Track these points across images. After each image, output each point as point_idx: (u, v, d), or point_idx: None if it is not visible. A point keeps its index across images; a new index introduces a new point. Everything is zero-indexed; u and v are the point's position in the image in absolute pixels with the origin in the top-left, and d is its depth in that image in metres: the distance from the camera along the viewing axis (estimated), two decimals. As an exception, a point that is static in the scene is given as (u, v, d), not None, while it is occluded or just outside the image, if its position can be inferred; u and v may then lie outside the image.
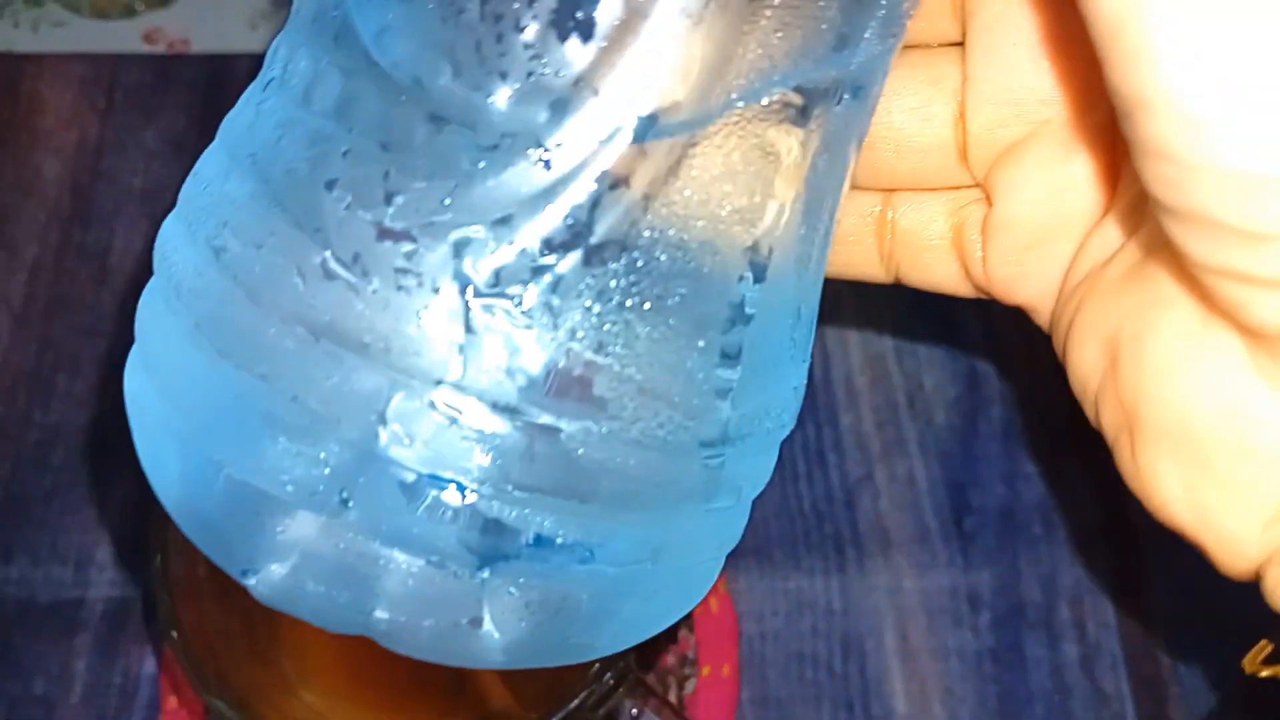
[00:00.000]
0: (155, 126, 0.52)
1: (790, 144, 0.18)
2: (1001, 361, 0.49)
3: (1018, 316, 0.50)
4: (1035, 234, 0.21)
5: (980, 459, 0.47)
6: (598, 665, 0.30)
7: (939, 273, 0.23)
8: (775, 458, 0.22)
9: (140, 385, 0.20)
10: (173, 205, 0.21)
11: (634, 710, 0.30)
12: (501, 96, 0.17)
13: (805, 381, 0.22)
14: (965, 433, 0.47)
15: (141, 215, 0.50)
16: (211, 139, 0.22)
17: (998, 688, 0.42)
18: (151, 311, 0.21)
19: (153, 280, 0.21)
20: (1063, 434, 0.47)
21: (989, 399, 0.48)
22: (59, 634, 0.42)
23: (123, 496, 0.45)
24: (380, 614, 0.18)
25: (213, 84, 0.54)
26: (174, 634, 0.31)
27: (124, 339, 0.48)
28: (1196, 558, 0.23)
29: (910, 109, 0.21)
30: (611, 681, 0.30)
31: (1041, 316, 0.22)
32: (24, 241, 0.50)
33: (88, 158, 0.51)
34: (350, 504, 0.18)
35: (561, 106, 0.17)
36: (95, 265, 0.49)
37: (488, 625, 0.18)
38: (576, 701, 0.29)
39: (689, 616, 0.39)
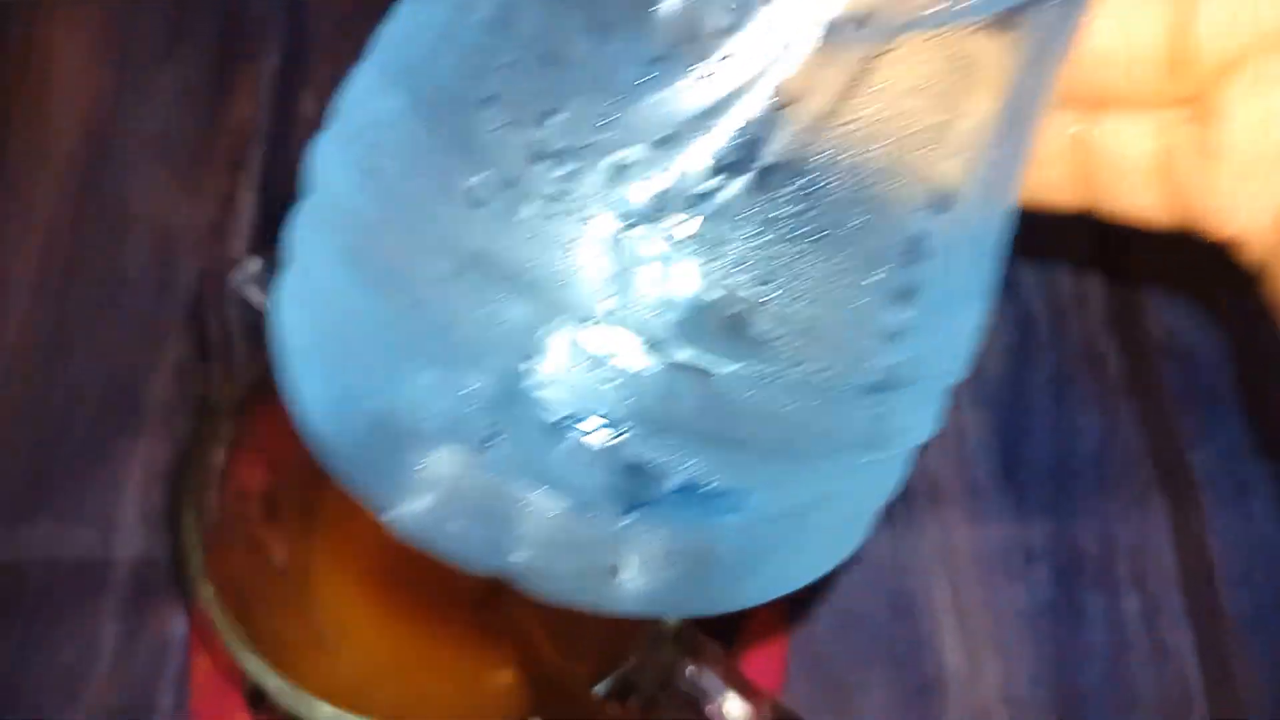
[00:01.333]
0: (171, 73, 0.50)
1: (992, 53, 0.17)
2: (1055, 309, 0.47)
3: (1070, 263, 0.49)
4: (1259, 159, 0.19)
5: (1032, 410, 0.45)
6: (654, 622, 0.29)
7: (1140, 200, 0.20)
8: (944, 406, 0.20)
9: (287, 310, 0.19)
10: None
11: (691, 668, 0.29)
12: (670, 1, 0.16)
13: (983, 324, 0.20)
14: (1017, 383, 0.45)
15: (160, 165, 0.48)
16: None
17: (1054, 644, 0.41)
18: (301, 235, 0.20)
19: (304, 201, 0.20)
20: (1118, 384, 0.45)
21: (1042, 347, 0.46)
22: (85, 597, 0.41)
23: (147, 456, 0.43)
24: (518, 555, 0.17)
25: (229, 25, 0.52)
26: (206, 590, 0.29)
27: (145, 294, 0.47)
28: (1259, 508, 0.21)
29: (1123, 9, 0.19)
30: (669, 638, 0.28)
31: (1254, 251, 0.20)
32: (39, 198, 0.48)
33: (102, 108, 0.50)
34: (493, 441, 0.17)
35: (736, 12, 0.16)
36: (114, 219, 0.48)
37: (628, 572, 0.18)
38: (633, 660, 0.28)
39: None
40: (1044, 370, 0.45)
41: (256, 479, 0.35)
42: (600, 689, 0.28)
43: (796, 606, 0.41)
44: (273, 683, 0.28)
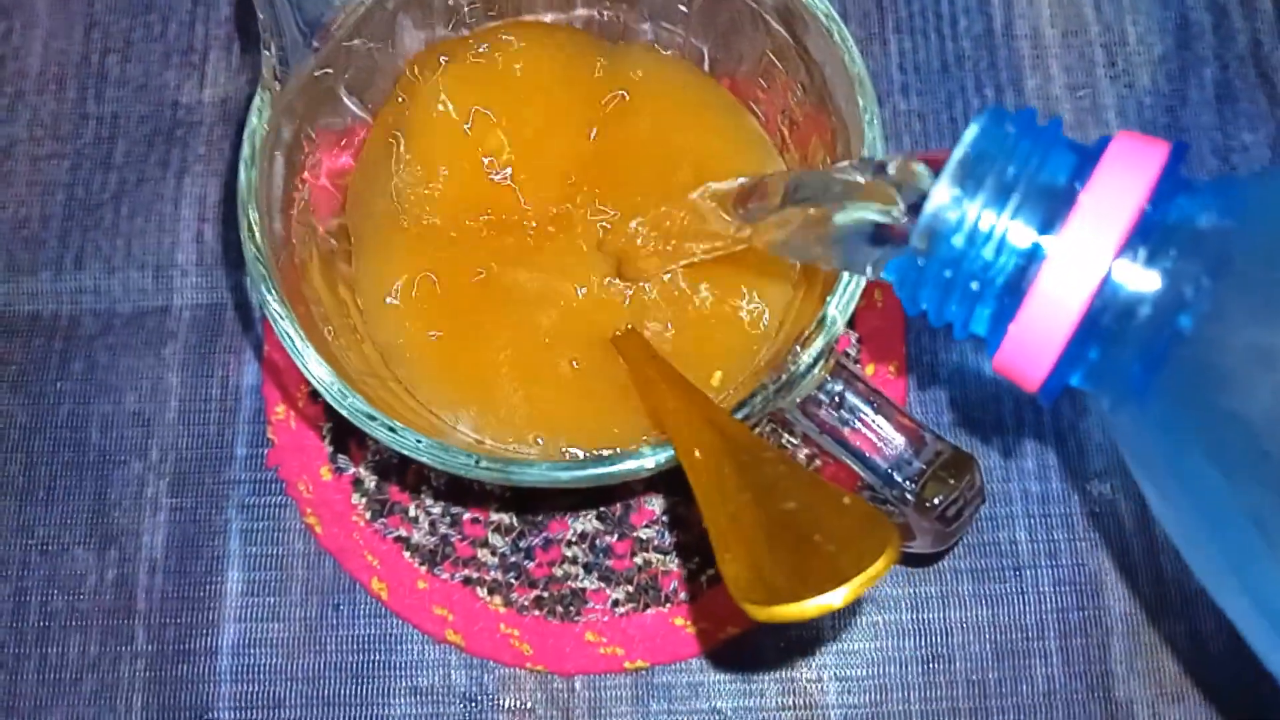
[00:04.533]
0: None
1: None
2: (1219, 12, 0.40)
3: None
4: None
5: (1190, 129, 0.39)
6: (798, 346, 0.25)
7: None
8: None
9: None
10: None
11: (838, 388, 0.25)
12: None
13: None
14: (1173, 98, 0.39)
15: None
16: None
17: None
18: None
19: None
20: (1290, 96, 0.39)
21: (1203, 58, 0.40)
22: (145, 346, 0.38)
23: (198, 192, 0.39)
24: None
25: None
26: (282, 311, 0.25)
27: (182, 7, 0.42)
28: None
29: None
30: (813, 359, 0.24)
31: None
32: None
33: None
34: None
35: None
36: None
37: None
38: (784, 376, 0.24)
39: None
40: (1205, 85, 0.40)
41: (324, 199, 0.30)
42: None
43: (917, 347, 0.37)
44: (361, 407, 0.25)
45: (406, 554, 0.35)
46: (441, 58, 0.31)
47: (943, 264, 0.19)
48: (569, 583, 0.34)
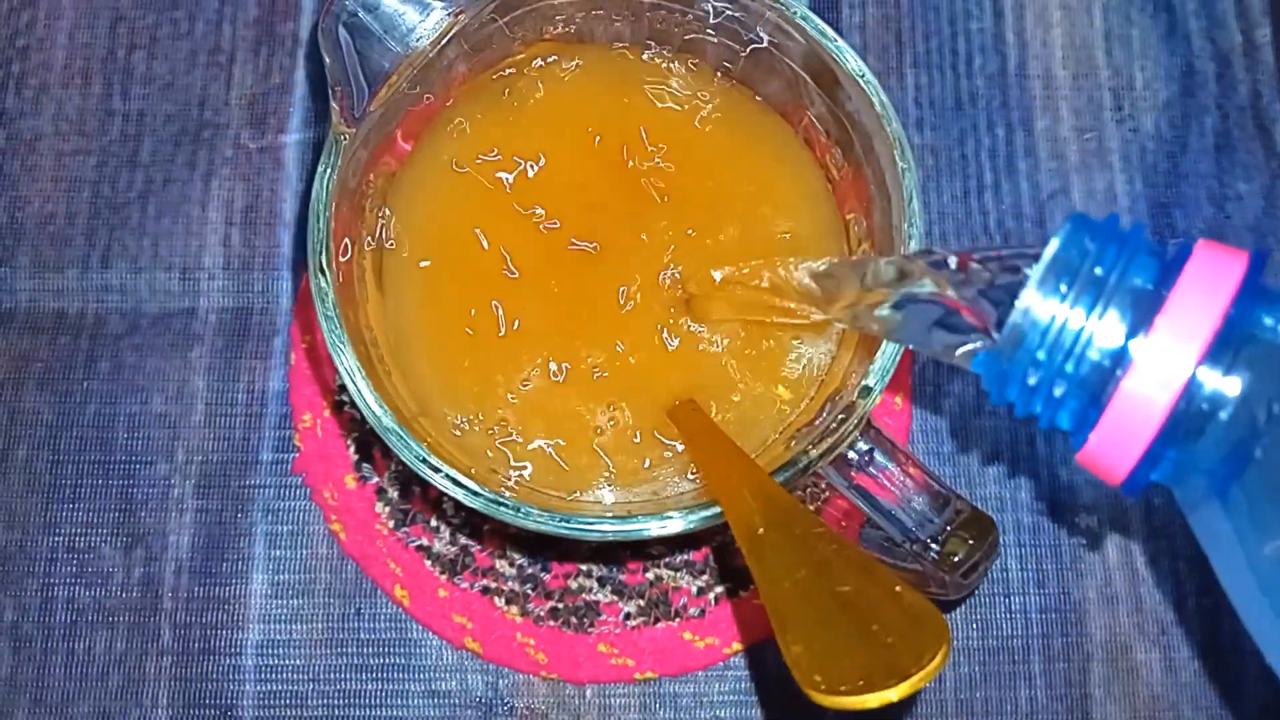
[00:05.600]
0: None
1: None
2: (1222, 62, 0.42)
3: (1243, 9, 0.43)
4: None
5: (1189, 176, 0.41)
6: (828, 403, 0.26)
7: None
8: None
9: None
10: None
11: (866, 447, 0.26)
12: None
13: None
14: (1174, 144, 0.41)
15: None
16: None
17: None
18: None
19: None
20: (1284, 146, 0.41)
21: (1205, 107, 0.42)
22: (171, 348, 0.39)
23: (225, 196, 0.40)
24: None
25: None
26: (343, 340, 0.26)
27: (210, 5, 0.42)
28: None
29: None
30: (842, 417, 0.26)
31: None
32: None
33: None
34: None
35: None
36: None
37: None
38: (829, 442, 0.26)
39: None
40: (1205, 133, 0.41)
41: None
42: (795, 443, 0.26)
43: (920, 377, 0.39)
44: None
45: (428, 562, 0.36)
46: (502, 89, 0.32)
47: (1029, 364, 0.21)
48: (583, 595, 0.36)
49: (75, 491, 0.37)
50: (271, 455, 0.38)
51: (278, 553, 0.37)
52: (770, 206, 0.32)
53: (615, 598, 0.36)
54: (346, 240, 0.27)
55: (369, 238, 0.30)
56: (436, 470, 0.26)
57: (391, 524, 0.36)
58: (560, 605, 0.36)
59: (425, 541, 0.36)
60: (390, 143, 0.30)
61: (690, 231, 0.31)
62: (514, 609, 0.36)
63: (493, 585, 0.36)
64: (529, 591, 0.36)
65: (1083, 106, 0.41)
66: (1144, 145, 0.41)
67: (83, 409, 0.38)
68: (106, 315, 0.39)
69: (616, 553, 0.36)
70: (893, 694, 0.17)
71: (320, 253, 0.26)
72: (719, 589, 0.36)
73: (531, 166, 0.32)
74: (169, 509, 0.37)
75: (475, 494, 0.26)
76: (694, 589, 0.36)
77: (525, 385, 0.31)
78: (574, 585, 0.36)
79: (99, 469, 0.38)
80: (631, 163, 0.32)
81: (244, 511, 0.37)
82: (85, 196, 0.40)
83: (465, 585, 0.36)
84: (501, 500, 0.26)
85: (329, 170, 0.26)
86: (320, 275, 0.26)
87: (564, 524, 0.26)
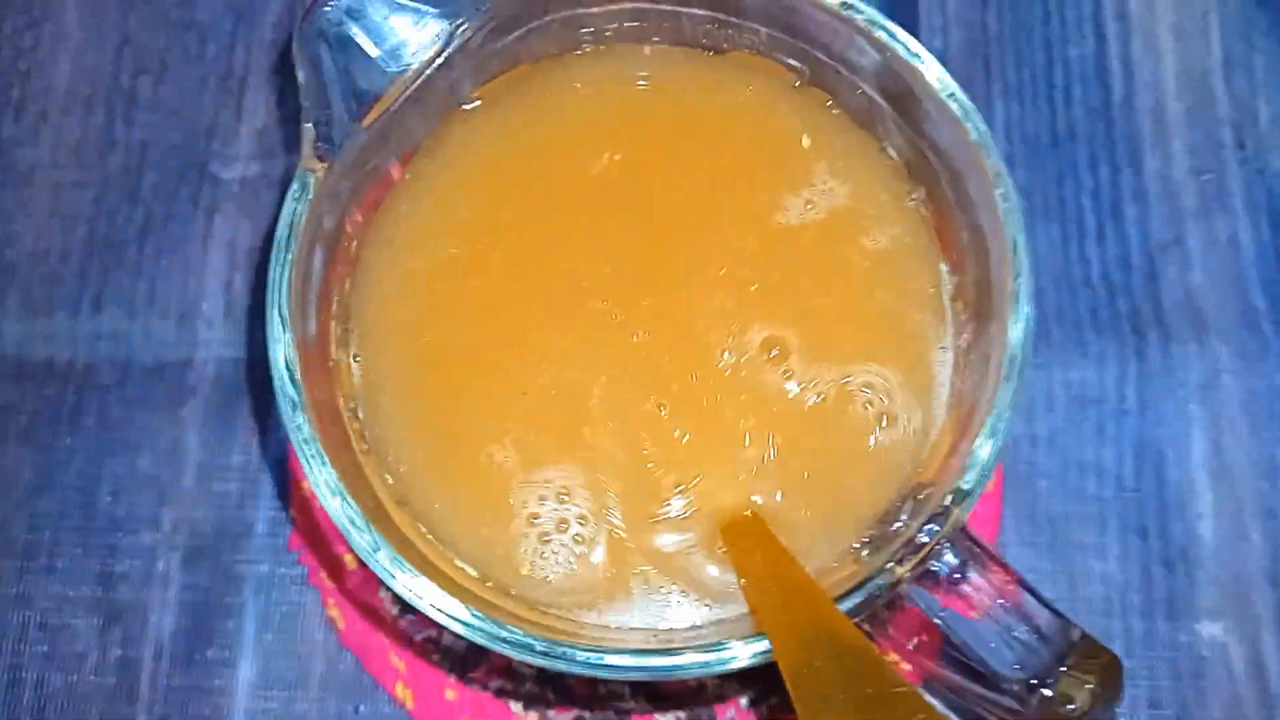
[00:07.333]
0: None
1: None
2: (1364, 89, 0.36)
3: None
4: None
5: (1326, 220, 0.35)
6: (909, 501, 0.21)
7: None
8: None
9: None
10: None
11: (957, 560, 0.21)
12: None
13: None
14: (1309, 185, 0.35)
15: None
16: None
17: (1335, 515, 0.33)
18: None
19: None
20: None
21: (1344, 140, 0.36)
22: (164, 402, 0.35)
23: (229, 235, 0.36)
24: None
25: None
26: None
27: (219, 33, 0.38)
28: None
29: None
30: (935, 529, 0.21)
31: None
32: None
33: None
34: None
35: None
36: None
37: None
38: (909, 562, 0.20)
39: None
40: (1346, 171, 0.36)
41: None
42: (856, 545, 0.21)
43: (1013, 454, 0.33)
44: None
45: (436, 657, 0.32)
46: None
47: None
48: (614, 703, 0.31)
49: (51, 560, 0.34)
50: (266, 528, 0.33)
51: (269, 637, 0.33)
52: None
53: (650, 707, 0.31)
54: (316, 297, 0.23)
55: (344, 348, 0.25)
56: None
57: (395, 610, 0.32)
58: (586, 715, 0.31)
59: (433, 633, 0.32)
60: (379, 181, 0.25)
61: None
62: (533, 715, 0.31)
63: (509, 686, 0.31)
64: (550, 695, 0.31)
65: (1199, 144, 0.36)
66: (1271, 188, 0.36)
67: (66, 467, 0.34)
68: (97, 364, 0.35)
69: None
70: None
71: (281, 307, 0.22)
72: (773, 699, 0.31)
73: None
74: (152, 584, 0.33)
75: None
76: (744, 700, 0.31)
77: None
78: (603, 691, 0.31)
79: (78, 536, 0.34)
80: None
81: (234, 589, 0.33)
82: (81, 233, 0.36)
83: (477, 686, 0.31)
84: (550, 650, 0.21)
85: (298, 211, 0.22)
86: (282, 360, 0.22)
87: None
